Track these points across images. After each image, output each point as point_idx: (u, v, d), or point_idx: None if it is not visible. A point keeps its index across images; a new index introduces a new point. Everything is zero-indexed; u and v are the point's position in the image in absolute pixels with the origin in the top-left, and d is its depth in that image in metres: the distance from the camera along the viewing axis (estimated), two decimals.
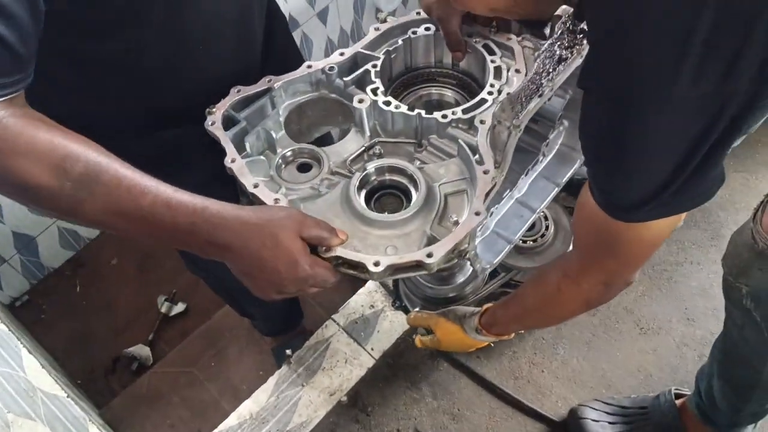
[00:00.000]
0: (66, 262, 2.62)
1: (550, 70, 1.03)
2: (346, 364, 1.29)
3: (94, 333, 2.45)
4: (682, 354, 1.46)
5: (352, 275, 0.97)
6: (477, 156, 1.05)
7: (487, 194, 1.01)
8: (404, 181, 1.07)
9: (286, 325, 2.00)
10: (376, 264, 0.93)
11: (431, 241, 1.00)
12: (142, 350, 2.35)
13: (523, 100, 1.00)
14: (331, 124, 1.26)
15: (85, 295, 2.55)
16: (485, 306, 1.28)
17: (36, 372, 1.51)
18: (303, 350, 1.30)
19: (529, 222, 1.31)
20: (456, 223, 1.01)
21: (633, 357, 1.47)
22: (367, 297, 1.42)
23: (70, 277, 2.59)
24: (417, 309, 1.42)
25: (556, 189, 1.34)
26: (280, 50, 1.30)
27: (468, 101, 1.22)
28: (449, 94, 1.25)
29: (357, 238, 1.00)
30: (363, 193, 1.06)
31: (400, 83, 1.25)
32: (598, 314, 1.54)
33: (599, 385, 1.41)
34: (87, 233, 2.64)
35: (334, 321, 1.35)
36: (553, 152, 1.36)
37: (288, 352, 1.83)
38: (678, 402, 1.37)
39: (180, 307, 2.44)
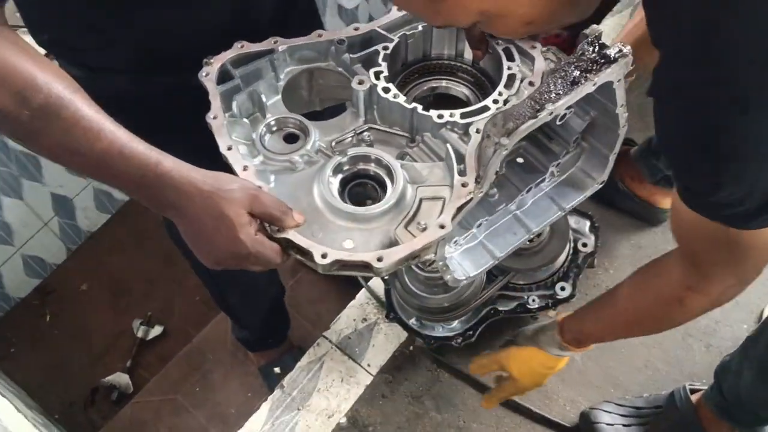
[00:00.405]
0: (33, 290, 2.50)
1: (559, 92, 0.95)
2: (343, 383, 1.24)
3: (69, 364, 2.33)
4: (687, 345, 1.39)
5: (300, 261, 0.94)
6: (462, 165, 0.99)
7: (460, 208, 0.96)
8: (383, 174, 1.02)
9: (270, 332, 1.94)
10: (324, 256, 0.90)
11: (392, 243, 0.96)
12: (120, 378, 2.24)
13: (518, 119, 0.93)
14: (344, 97, 1.21)
15: (55, 324, 2.44)
16: (560, 317, 1.22)
17: (9, 416, 1.43)
18: (296, 371, 1.26)
19: (521, 242, 1.24)
20: (425, 228, 0.97)
21: (638, 352, 1.40)
22: (359, 310, 1.35)
23: (39, 307, 2.48)
24: (475, 358, 1.29)
25: (560, 213, 1.27)
26: (300, 18, 1.26)
27: (480, 101, 1.17)
28: (463, 90, 1.19)
29: (318, 223, 0.97)
30: (338, 178, 1.02)
31: (415, 70, 1.19)
32: None
33: (607, 384, 1.35)
34: (53, 259, 2.53)
35: (326, 338, 1.29)
36: (566, 175, 1.28)
37: (276, 370, 1.80)
38: (693, 398, 1.32)
39: (157, 330, 2.34)
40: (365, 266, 0.90)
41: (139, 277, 2.50)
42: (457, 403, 1.29)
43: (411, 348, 1.30)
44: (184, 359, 2.21)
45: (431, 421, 1.24)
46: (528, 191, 1.23)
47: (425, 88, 1.19)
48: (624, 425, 1.30)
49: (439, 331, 1.34)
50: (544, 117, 0.94)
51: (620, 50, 0.99)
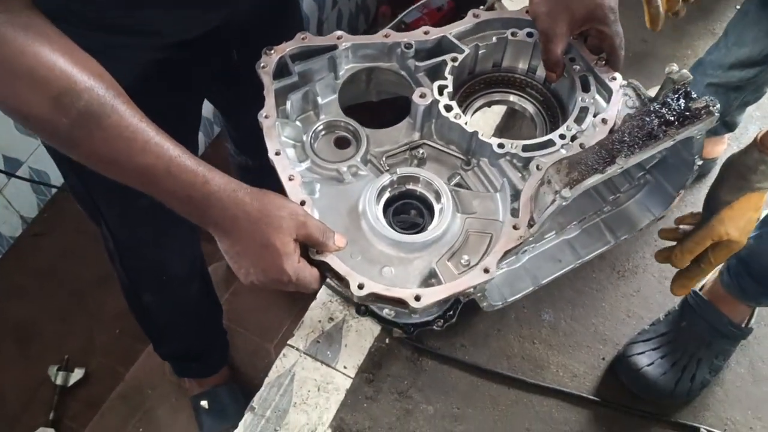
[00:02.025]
0: None
1: (634, 144, 0.88)
2: (320, 392, 1.13)
3: None
4: (664, 288, 1.33)
5: (334, 287, 0.91)
6: (516, 204, 0.94)
7: (507, 252, 0.91)
8: (431, 198, 0.98)
9: (199, 356, 1.81)
10: (360, 286, 0.87)
11: (432, 276, 0.93)
12: None
13: (584, 169, 0.87)
14: (402, 92, 1.16)
15: None
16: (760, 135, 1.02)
17: None
18: (264, 389, 1.14)
19: (566, 270, 1.19)
20: (467, 264, 0.93)
21: (619, 304, 1.36)
22: (323, 310, 1.22)
23: None
24: (677, 249, 1.10)
25: (612, 243, 1.21)
26: None
27: (545, 123, 1.10)
28: (530, 108, 1.12)
29: (358, 245, 0.94)
30: (385, 196, 0.98)
31: (483, 80, 1.12)
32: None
33: (595, 342, 1.30)
34: None
35: (292, 346, 1.16)
36: (623, 206, 1.21)
37: (203, 404, 1.62)
38: (704, 294, 1.27)
39: (78, 374, 2.04)
40: (401, 302, 0.87)
41: (48, 318, 2.17)
42: (448, 389, 1.22)
43: (387, 341, 1.21)
44: (119, 400, 1.96)
45: (423, 414, 1.18)
46: (579, 221, 1.18)
47: (493, 99, 1.12)
48: (661, 357, 1.26)
49: (417, 317, 1.29)
50: (612, 172, 0.87)
51: (707, 105, 0.91)
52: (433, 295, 0.87)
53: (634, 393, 1.25)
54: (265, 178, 1.77)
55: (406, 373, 1.23)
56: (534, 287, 1.18)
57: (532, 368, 1.28)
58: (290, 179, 0.93)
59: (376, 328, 1.22)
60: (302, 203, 0.91)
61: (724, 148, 1.56)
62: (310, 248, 0.89)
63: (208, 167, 0.81)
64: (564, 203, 0.87)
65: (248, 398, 1.15)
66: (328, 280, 0.91)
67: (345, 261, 0.90)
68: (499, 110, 1.37)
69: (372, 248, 0.94)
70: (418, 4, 1.85)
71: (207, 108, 2.40)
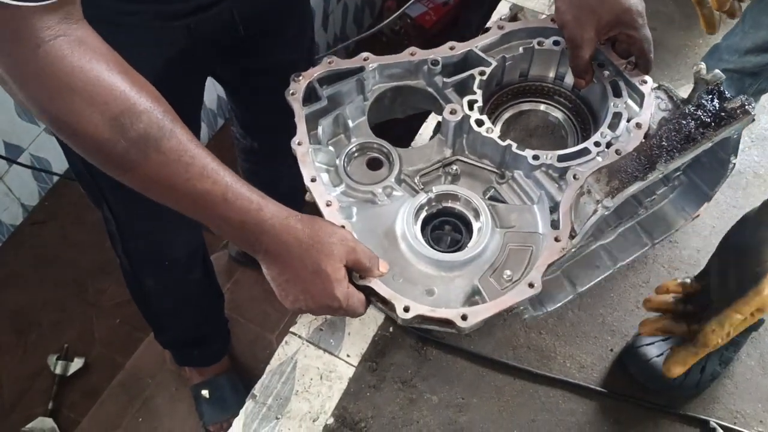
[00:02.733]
0: None
1: (672, 148, 0.88)
2: (323, 381, 1.12)
3: None
4: (673, 277, 1.29)
5: (379, 309, 0.91)
6: (555, 215, 0.94)
7: (551, 265, 0.91)
8: (468, 215, 0.97)
9: (201, 344, 1.80)
10: (406, 309, 0.87)
11: (475, 293, 0.92)
12: (44, 424, 1.94)
13: (624, 177, 0.86)
14: (428, 107, 1.16)
15: None
16: None
17: None
18: (266, 376, 1.12)
19: (604, 276, 1.18)
20: (510, 280, 0.92)
21: (627, 294, 1.31)
22: None
23: None
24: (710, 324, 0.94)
25: (648, 246, 1.20)
26: None
27: (576, 130, 1.10)
28: (559, 116, 1.11)
29: (398, 266, 0.94)
30: (422, 216, 0.98)
31: (510, 91, 1.11)
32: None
33: (603, 333, 1.26)
34: None
35: (295, 334, 1.15)
36: (657, 207, 1.20)
37: (204, 393, 1.62)
38: None
39: (78, 363, 2.03)
40: (447, 323, 0.87)
41: (47, 307, 2.17)
42: (452, 379, 1.19)
43: (391, 329, 1.19)
44: (119, 389, 1.96)
45: (427, 404, 1.16)
46: (615, 227, 1.16)
47: (521, 109, 1.11)
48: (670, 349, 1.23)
49: None
50: (654, 178, 0.87)
51: (742, 105, 0.90)
52: (479, 313, 0.87)
53: (642, 384, 1.20)
54: (271, 160, 1.75)
55: (410, 362, 1.20)
56: (573, 295, 1.17)
57: (539, 358, 1.24)
58: (328, 205, 0.93)
59: (380, 317, 1.20)
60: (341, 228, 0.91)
61: None
62: (353, 273, 0.89)
63: (260, 194, 0.82)
64: (606, 212, 0.87)
65: (248, 388, 1.14)
66: (372, 303, 0.91)
67: (388, 284, 0.90)
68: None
69: (412, 269, 0.94)
70: None
71: (210, 98, 2.42)
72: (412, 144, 1.24)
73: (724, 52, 1.37)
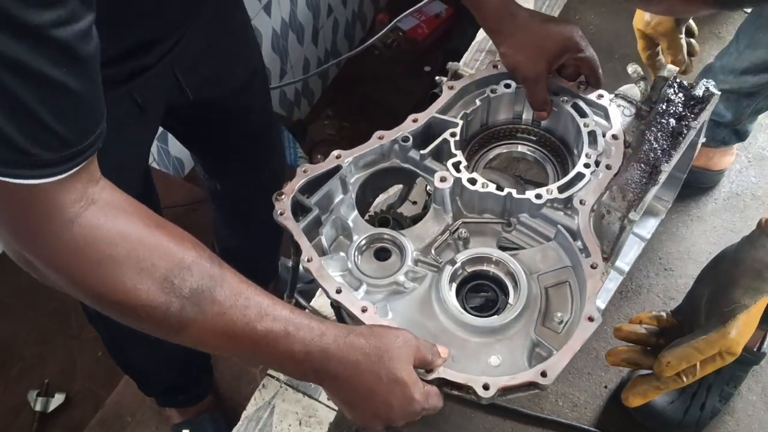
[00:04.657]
0: None
1: (665, 147, 0.91)
2: (302, 427, 1.05)
3: None
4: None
5: (456, 396, 0.87)
6: (579, 243, 0.94)
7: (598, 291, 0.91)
8: (501, 274, 0.96)
9: (182, 387, 1.77)
10: (486, 387, 0.83)
11: (536, 345, 0.91)
12: None
13: (636, 188, 0.88)
14: (397, 183, 1.15)
15: None
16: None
17: None
18: (242, 423, 1.07)
19: (617, 286, 1.20)
20: (561, 322, 0.92)
21: None
22: None
23: None
24: (662, 356, 0.93)
25: (643, 244, 1.23)
26: None
27: (550, 159, 1.12)
28: (528, 152, 1.14)
29: (454, 345, 0.90)
30: (454, 287, 0.95)
31: (476, 142, 1.13)
32: None
33: (596, 368, 1.22)
34: None
35: (272, 376, 1.09)
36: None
37: None
38: None
39: (59, 399, 2.02)
40: (532, 385, 0.84)
41: (29, 339, 2.16)
42: (439, 422, 1.13)
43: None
44: (98, 427, 1.92)
45: None
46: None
47: (492, 155, 1.13)
48: None
49: None
50: (663, 179, 0.89)
51: (706, 89, 0.95)
52: (557, 365, 0.85)
53: (639, 423, 1.17)
54: (235, 201, 1.74)
55: None
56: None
57: (530, 398, 1.18)
58: (364, 311, 0.89)
59: None
60: None
61: (732, 160, 1.43)
62: (417, 370, 0.85)
63: (317, 319, 0.78)
64: (633, 225, 0.88)
65: (231, 427, 1.08)
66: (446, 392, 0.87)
67: (452, 368, 0.87)
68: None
69: (468, 344, 0.91)
70: (412, 9, 1.84)
71: (175, 147, 2.31)
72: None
73: (719, 73, 1.31)
